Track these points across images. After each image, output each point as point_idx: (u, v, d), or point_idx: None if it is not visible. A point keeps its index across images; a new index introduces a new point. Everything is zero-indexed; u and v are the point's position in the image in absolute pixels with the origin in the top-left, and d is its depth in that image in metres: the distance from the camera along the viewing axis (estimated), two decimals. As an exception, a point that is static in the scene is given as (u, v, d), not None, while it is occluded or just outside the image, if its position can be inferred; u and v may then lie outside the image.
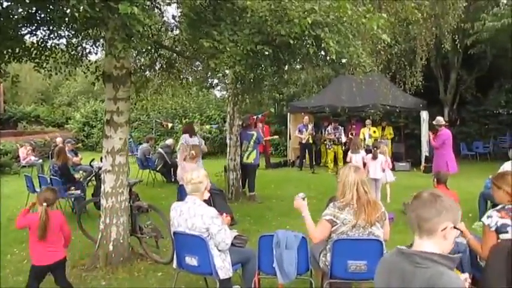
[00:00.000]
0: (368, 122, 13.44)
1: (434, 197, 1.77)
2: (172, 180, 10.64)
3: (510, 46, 13.05)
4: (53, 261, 3.84)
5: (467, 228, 3.46)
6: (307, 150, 13.59)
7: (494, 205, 3.57)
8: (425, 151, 13.07)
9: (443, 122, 9.07)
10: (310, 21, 3.91)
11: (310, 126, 13.37)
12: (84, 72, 5.92)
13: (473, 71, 16.30)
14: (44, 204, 3.77)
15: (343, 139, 13.18)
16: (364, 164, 8.17)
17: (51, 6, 3.89)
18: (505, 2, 13.37)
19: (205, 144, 17.36)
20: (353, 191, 3.43)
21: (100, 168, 5.90)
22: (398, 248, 1.81)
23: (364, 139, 12.87)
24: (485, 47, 14.63)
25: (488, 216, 3.26)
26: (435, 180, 6.60)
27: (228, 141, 9.05)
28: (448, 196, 1.81)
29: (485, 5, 13.53)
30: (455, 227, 1.75)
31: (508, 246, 3.05)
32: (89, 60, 5.93)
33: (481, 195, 6.70)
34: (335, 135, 13.12)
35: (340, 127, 13.55)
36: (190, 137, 8.43)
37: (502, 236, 3.13)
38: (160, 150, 11.74)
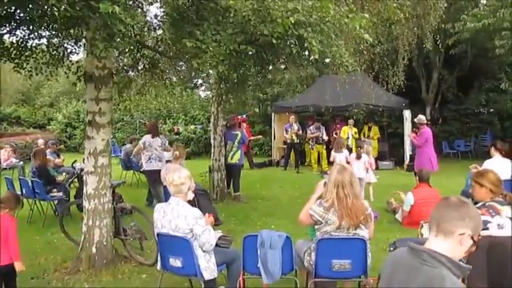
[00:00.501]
0: (351, 122, 13.55)
1: (462, 203, 1.80)
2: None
3: (490, 46, 13.29)
4: None
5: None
6: (292, 150, 13.63)
7: (475, 202, 3.62)
8: (409, 150, 13.22)
9: (425, 121, 9.19)
10: (293, 21, 3.91)
11: (295, 126, 13.42)
12: (66, 73, 5.83)
13: (455, 70, 16.57)
14: None
15: (325, 138, 13.30)
16: (348, 164, 8.23)
17: (30, 5, 3.81)
18: (484, 2, 13.62)
19: (189, 144, 17.46)
20: (333, 193, 3.41)
21: (82, 170, 5.81)
22: (410, 244, 1.82)
23: (348, 138, 12.99)
24: (466, 47, 14.90)
25: (469, 214, 3.30)
26: (418, 178, 6.69)
27: (212, 141, 9.01)
28: (474, 207, 1.86)
29: (466, 6, 13.76)
30: (472, 238, 1.75)
31: (487, 242, 3.10)
32: (70, 61, 5.84)
33: (462, 192, 6.80)
34: (317, 135, 13.23)
35: (322, 126, 13.65)
36: (153, 137, 7.88)
37: (482, 233, 3.17)
38: None
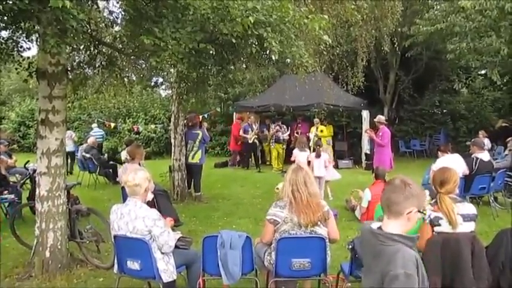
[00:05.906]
0: (316, 121, 13.74)
1: (404, 184, 2.04)
2: (116, 180, 10.28)
3: (443, 49, 13.82)
4: None
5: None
6: (252, 150, 13.65)
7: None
8: (366, 149, 13.54)
9: (384, 121, 9.45)
10: (252, 21, 3.89)
11: (255, 126, 13.43)
12: (17, 69, 5.56)
13: (410, 72, 17.09)
14: None
15: (283, 137, 13.46)
16: (309, 163, 8.33)
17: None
18: (438, 7, 14.15)
19: (150, 144, 17.14)
20: (288, 191, 3.50)
21: (35, 171, 5.57)
22: (370, 227, 2.12)
23: (313, 137, 13.15)
24: (421, 50, 15.41)
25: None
26: (374, 175, 6.87)
27: (172, 141, 8.88)
28: (416, 184, 2.07)
29: (421, 10, 14.25)
30: (419, 211, 2.04)
31: (441, 238, 3.22)
32: (21, 56, 5.57)
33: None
34: (277, 134, 13.33)
35: (284, 126, 13.75)
36: None
37: (436, 229, 3.28)
38: (85, 154, 10.77)
